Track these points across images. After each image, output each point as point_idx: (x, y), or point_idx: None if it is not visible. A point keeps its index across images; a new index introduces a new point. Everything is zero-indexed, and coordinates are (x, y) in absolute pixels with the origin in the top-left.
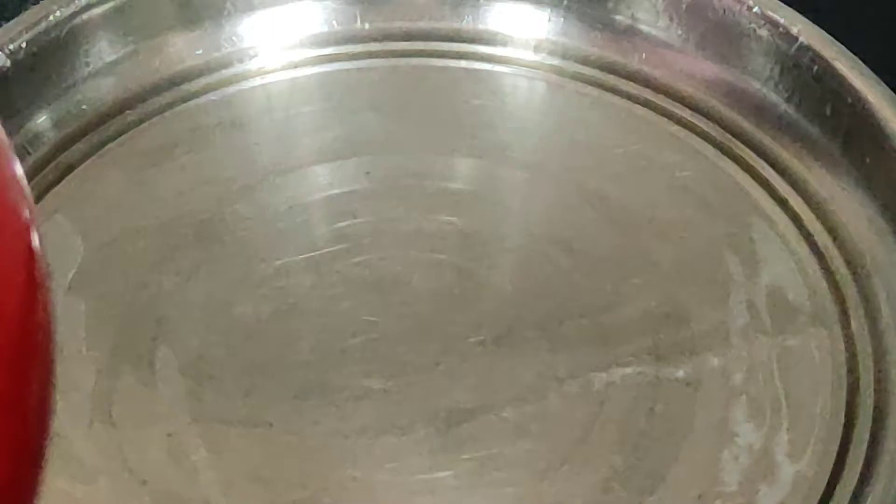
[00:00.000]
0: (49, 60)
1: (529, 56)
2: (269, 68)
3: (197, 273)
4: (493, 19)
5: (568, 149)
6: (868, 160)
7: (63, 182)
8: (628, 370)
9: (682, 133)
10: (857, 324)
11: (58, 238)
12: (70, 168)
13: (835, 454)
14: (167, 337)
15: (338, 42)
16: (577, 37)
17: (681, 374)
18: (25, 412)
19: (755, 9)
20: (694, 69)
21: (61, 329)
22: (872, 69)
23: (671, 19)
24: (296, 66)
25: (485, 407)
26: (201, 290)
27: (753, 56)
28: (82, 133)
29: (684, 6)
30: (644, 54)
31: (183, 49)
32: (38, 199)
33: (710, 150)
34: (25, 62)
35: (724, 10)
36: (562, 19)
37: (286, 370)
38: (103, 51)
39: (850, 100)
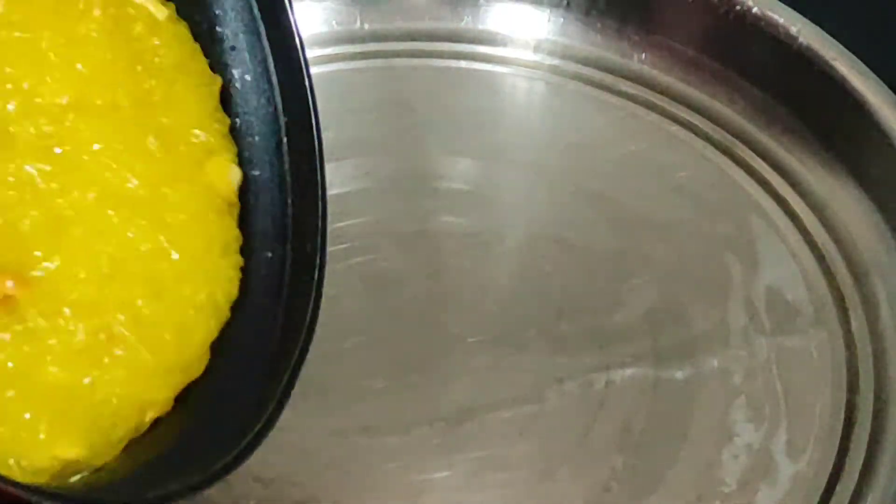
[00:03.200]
0: None
1: (529, 56)
2: None
3: None
4: (493, 19)
5: (568, 149)
6: (868, 160)
7: None
8: (628, 370)
9: (682, 133)
10: (857, 324)
11: None
12: None
13: (834, 454)
14: None
15: (338, 42)
16: (577, 37)
17: (680, 374)
18: None
19: (755, 9)
20: (694, 69)
21: None
22: (872, 69)
23: (671, 19)
24: None
25: (485, 407)
26: None
27: (753, 56)
28: None
29: (684, 6)
30: (644, 54)
31: None
32: None
33: (710, 150)
34: None
35: (724, 10)
36: (562, 19)
37: None
38: None
39: (850, 100)
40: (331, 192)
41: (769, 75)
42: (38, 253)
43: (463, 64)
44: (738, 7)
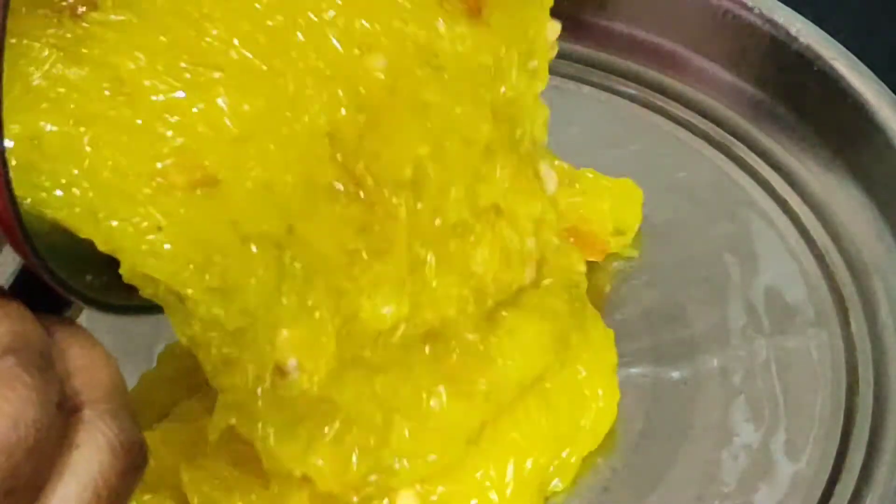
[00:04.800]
0: None
1: None
2: None
3: None
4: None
5: (568, 149)
6: (868, 160)
7: None
8: (628, 370)
9: (682, 133)
10: (857, 324)
11: None
12: None
13: (834, 454)
14: (167, 335)
15: None
16: (577, 37)
17: (680, 374)
18: None
19: (755, 9)
20: (694, 69)
21: None
22: (872, 69)
23: (670, 20)
24: None
25: None
26: None
27: (753, 56)
28: None
29: (684, 7)
30: (644, 55)
31: None
32: None
33: (710, 150)
34: None
35: (724, 11)
36: (562, 20)
37: None
38: None
39: (850, 100)
40: None
41: (769, 75)
42: None
43: None
44: (738, 7)
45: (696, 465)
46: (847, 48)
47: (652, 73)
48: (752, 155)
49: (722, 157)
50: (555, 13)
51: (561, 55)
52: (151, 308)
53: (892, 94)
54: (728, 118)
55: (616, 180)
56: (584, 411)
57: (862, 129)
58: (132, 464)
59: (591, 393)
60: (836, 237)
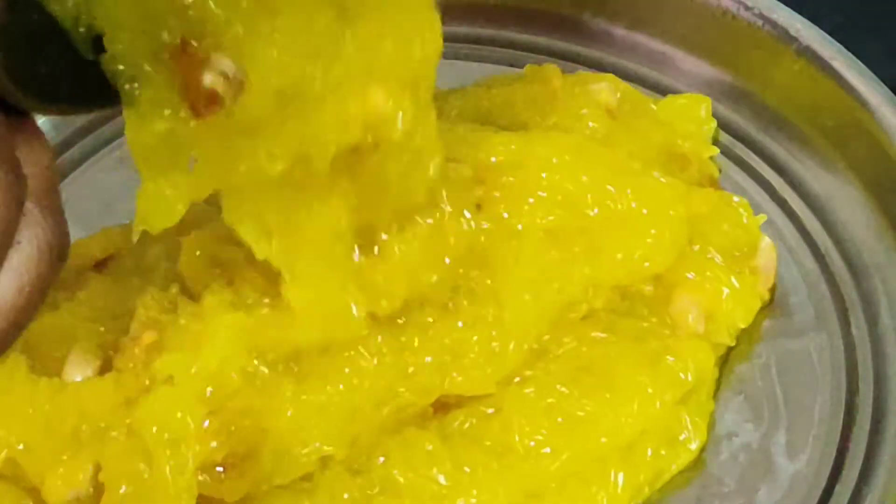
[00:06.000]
0: None
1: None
2: None
3: None
4: (494, 20)
5: None
6: (868, 160)
7: (64, 181)
8: None
9: None
10: (857, 324)
11: None
12: (72, 167)
13: (833, 454)
14: None
15: None
16: (577, 38)
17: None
18: None
19: (755, 9)
20: (694, 69)
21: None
22: (872, 68)
23: (670, 21)
24: None
25: None
26: None
27: (753, 56)
28: (82, 133)
29: (684, 7)
30: (645, 56)
31: None
32: None
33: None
34: None
35: (724, 11)
36: (561, 21)
37: None
38: None
39: (849, 100)
40: None
41: (769, 75)
42: None
43: (462, 65)
44: (738, 7)
45: (696, 466)
46: (846, 47)
47: (652, 74)
48: (753, 155)
49: (722, 157)
50: (555, 13)
51: (561, 56)
52: (105, 101)
53: (892, 94)
54: (728, 118)
55: (686, 95)
56: (675, 459)
57: (862, 129)
58: (58, 266)
59: (685, 440)
60: (836, 237)
